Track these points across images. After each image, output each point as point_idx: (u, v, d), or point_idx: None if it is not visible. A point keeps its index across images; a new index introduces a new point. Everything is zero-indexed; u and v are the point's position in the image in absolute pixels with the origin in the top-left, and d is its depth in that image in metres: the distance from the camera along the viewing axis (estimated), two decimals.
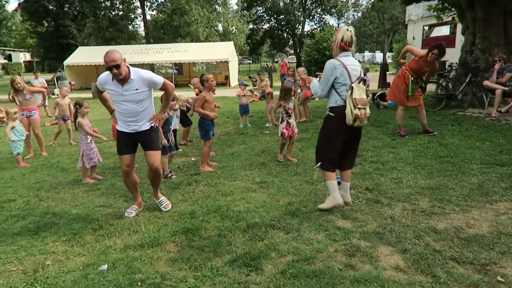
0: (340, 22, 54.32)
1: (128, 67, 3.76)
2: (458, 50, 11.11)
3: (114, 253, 3.27)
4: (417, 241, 3.23)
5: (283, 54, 24.26)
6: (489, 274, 2.71)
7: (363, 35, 50.47)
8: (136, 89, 3.80)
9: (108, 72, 3.75)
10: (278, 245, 3.26)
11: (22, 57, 54.28)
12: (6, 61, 49.75)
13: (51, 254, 3.33)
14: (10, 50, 50.12)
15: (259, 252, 3.14)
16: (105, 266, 3.03)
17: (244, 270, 2.91)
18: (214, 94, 5.87)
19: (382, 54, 47.12)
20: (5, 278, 2.99)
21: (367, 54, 54.56)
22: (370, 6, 33.57)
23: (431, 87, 10.33)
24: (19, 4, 40.91)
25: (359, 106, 3.55)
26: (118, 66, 3.64)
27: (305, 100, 9.39)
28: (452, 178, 4.67)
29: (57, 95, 19.04)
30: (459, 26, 12.42)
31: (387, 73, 17.27)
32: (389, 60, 36.61)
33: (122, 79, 3.73)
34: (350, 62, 3.67)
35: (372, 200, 4.17)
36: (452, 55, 14.39)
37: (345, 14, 52.77)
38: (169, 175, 5.39)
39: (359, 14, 53.42)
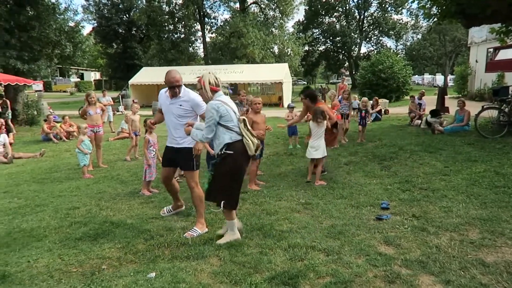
0: (398, 44, 53.24)
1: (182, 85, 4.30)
2: None
3: (162, 262, 3.50)
4: (462, 272, 3.13)
5: (345, 77, 24.17)
6: None
7: (423, 57, 48.89)
8: (180, 105, 4.23)
9: (164, 89, 4.33)
10: (317, 266, 3.31)
11: (93, 76, 58.97)
12: (78, 79, 54.41)
13: (106, 259, 3.63)
14: (82, 70, 54.72)
15: (297, 271, 3.21)
16: (153, 274, 3.26)
17: None
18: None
19: (442, 77, 45.37)
20: (67, 278, 3.32)
21: (427, 76, 52.75)
22: (429, 29, 32.54)
23: (491, 113, 9.83)
24: (93, 28, 44.85)
25: (255, 135, 3.70)
26: (180, 86, 4.22)
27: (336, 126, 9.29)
28: (507, 210, 4.44)
29: (121, 112, 20.53)
30: None
31: (446, 97, 16.59)
32: (450, 83, 35.09)
33: (175, 95, 4.24)
34: (227, 99, 3.79)
35: (418, 227, 4.09)
36: None
37: (404, 36, 51.62)
38: None
39: (419, 36, 51.99)
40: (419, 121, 11.61)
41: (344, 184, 5.86)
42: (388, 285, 3.00)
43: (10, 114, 13.64)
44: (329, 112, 6.32)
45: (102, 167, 7.98)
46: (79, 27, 19.22)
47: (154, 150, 6.17)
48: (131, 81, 26.01)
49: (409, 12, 47.01)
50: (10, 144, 10.13)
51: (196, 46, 45.36)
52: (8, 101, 13.83)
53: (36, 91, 19.18)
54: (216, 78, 3.81)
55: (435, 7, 10.35)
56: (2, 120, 10.79)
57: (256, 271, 3.27)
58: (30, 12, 16.32)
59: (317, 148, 6.03)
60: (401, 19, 53.35)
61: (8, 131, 10.78)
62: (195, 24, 40.48)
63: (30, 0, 16.06)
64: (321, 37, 51.44)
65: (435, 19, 10.55)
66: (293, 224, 4.32)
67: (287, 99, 24.98)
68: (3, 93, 15.07)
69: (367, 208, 4.78)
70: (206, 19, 39.80)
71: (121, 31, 45.26)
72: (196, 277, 3.21)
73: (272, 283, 3.07)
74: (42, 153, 9.80)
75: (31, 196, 6.03)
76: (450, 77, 41.10)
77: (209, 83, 3.76)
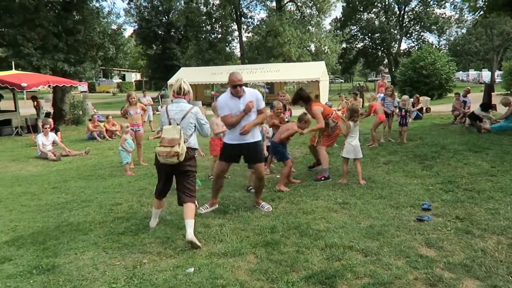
0: (441, 39, 51.17)
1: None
2: None
3: (200, 258, 3.58)
4: (510, 278, 2.99)
5: (384, 75, 23.56)
6: None
7: (467, 52, 46.73)
8: (250, 102, 4.61)
9: (225, 93, 4.75)
10: (355, 266, 3.26)
11: (134, 77, 60.98)
12: (120, 80, 56.53)
13: (147, 253, 3.76)
14: (124, 71, 56.78)
15: (335, 271, 3.18)
16: (191, 269, 3.34)
17: (319, 287, 2.98)
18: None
19: (489, 73, 43.17)
20: (111, 270, 3.46)
21: (472, 72, 50.33)
22: (475, 23, 31.04)
23: None
24: (134, 30, 46.34)
25: (165, 144, 3.88)
26: (241, 85, 4.62)
27: (378, 125, 9.05)
28: None
29: (160, 112, 21.11)
30: None
31: (493, 93, 15.79)
32: (498, 79, 33.34)
33: (239, 94, 4.61)
34: (176, 107, 4.10)
35: (462, 230, 3.93)
36: None
37: (447, 31, 49.50)
38: (250, 187, 5.70)
39: (463, 30, 49.72)
40: (464, 119, 11.12)
41: (383, 184, 5.72)
42: None
43: (44, 113, 14.88)
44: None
45: (142, 165, 8.24)
46: (121, 29, 19.93)
47: None
48: (170, 81, 26.63)
49: (452, 6, 45.11)
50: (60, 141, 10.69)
51: (233, 46, 45.77)
52: (41, 102, 15.13)
53: (82, 92, 20.04)
54: (180, 87, 4.10)
55: None
56: (51, 120, 11.38)
57: (293, 270, 3.28)
58: (76, 17, 17.11)
59: (359, 148, 5.95)
60: (444, 13, 50.87)
61: (56, 130, 11.34)
62: (231, 24, 40.88)
63: (76, 5, 16.84)
64: (359, 34, 50.39)
65: (482, 12, 10.09)
66: (330, 224, 4.28)
67: (324, 98, 24.72)
68: (36, 95, 16.10)
69: (407, 208, 4.65)
70: (242, 18, 40.08)
71: (160, 32, 46.47)
72: (233, 274, 3.26)
73: (309, 282, 3.06)
74: (87, 151, 10.25)
75: (77, 192, 6.33)
76: (497, 72, 39.05)
77: (173, 90, 4.12)
